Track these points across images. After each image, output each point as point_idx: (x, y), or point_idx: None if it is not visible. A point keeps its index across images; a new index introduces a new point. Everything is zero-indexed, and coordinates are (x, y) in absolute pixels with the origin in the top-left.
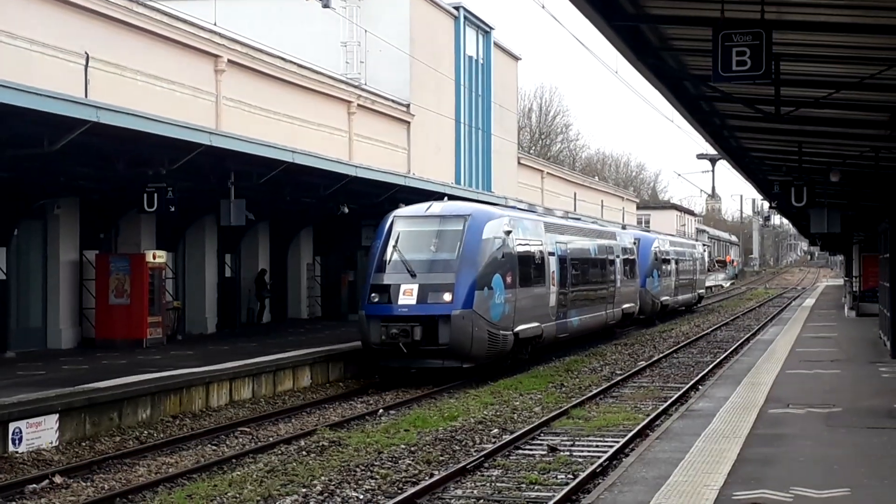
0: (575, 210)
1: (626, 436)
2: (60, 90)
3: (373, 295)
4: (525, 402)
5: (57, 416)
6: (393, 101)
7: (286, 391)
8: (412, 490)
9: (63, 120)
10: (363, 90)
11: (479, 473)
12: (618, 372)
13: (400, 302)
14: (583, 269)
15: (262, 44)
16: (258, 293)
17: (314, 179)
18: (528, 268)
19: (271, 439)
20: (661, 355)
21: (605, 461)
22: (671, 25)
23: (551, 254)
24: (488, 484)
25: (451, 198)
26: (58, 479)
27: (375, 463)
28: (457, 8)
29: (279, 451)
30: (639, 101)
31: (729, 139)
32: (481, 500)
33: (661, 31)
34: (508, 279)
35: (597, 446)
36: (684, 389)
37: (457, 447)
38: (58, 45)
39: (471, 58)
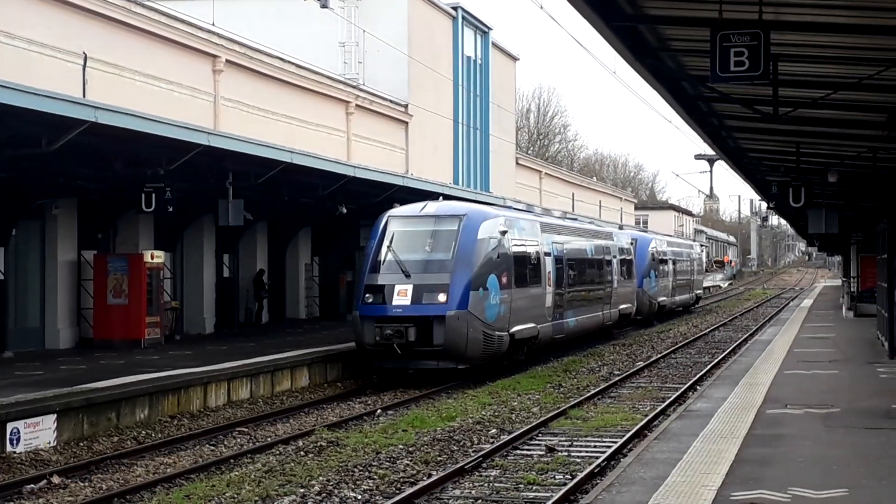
0: (573, 210)
1: (624, 436)
2: (59, 90)
3: (367, 295)
4: (523, 402)
5: (55, 416)
6: (391, 101)
7: (284, 391)
8: (410, 490)
9: (61, 120)
10: (361, 90)
11: (477, 474)
12: (616, 372)
13: (394, 302)
14: (579, 269)
15: (260, 44)
16: (256, 293)
17: (312, 180)
18: (523, 268)
19: (269, 439)
20: (659, 356)
21: (603, 461)
22: (669, 26)
23: (547, 254)
24: (486, 484)
25: (447, 197)
26: (56, 480)
27: (373, 463)
28: (455, 8)
29: (277, 452)
30: (637, 101)
31: (727, 139)
32: (479, 501)
33: (660, 32)
34: (504, 279)
35: (595, 447)
36: (682, 390)
37: (455, 447)
38: (56, 45)
39: (469, 58)
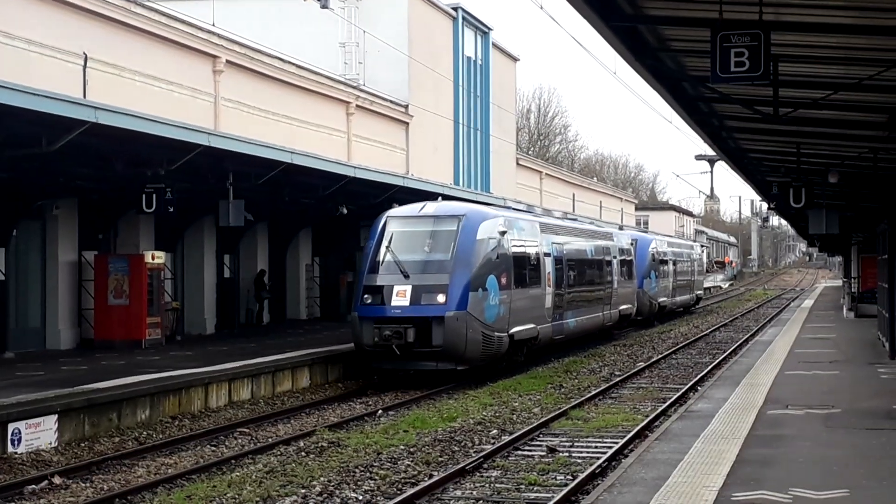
0: (574, 211)
1: (625, 437)
2: (59, 91)
3: (365, 296)
4: (524, 402)
5: (56, 416)
6: (391, 101)
7: (285, 392)
8: (411, 491)
9: (62, 120)
10: (362, 91)
11: (478, 474)
12: (617, 373)
13: (393, 303)
14: (579, 270)
15: (260, 44)
16: (257, 294)
17: (313, 180)
18: (523, 269)
19: (270, 440)
20: (659, 356)
21: (604, 462)
22: (669, 26)
23: (547, 254)
24: (487, 485)
25: (446, 198)
26: (57, 480)
27: (374, 464)
28: (455, 8)
29: (278, 452)
30: (637, 102)
31: (727, 140)
32: (480, 501)
33: (660, 32)
34: (503, 280)
35: (596, 447)
36: (683, 390)
37: (456, 448)
38: (56, 46)
39: (469, 58)
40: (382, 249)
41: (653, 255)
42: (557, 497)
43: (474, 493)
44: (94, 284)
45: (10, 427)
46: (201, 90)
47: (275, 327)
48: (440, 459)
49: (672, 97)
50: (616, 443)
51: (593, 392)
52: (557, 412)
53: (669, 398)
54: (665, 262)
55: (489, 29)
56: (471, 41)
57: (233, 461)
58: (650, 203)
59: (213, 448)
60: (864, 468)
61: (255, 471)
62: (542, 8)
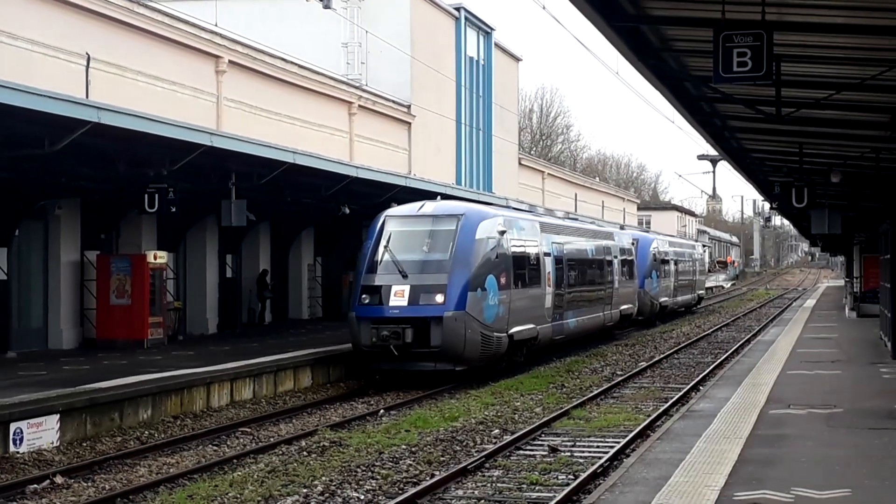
0: (576, 211)
1: (626, 436)
2: (61, 91)
3: (363, 296)
4: (526, 402)
5: (58, 416)
6: (394, 101)
7: (287, 391)
8: (413, 490)
9: (64, 120)
10: (364, 91)
11: (479, 474)
12: (618, 372)
13: (391, 303)
14: (580, 269)
15: (262, 44)
16: (259, 293)
17: (315, 180)
18: (523, 268)
19: (272, 440)
20: (661, 356)
21: (605, 462)
22: (672, 26)
23: (547, 254)
24: (489, 484)
25: (445, 197)
26: (59, 480)
27: (376, 463)
28: (457, 9)
29: (280, 452)
30: (640, 101)
31: (730, 140)
32: (482, 501)
33: (662, 32)
34: (503, 280)
35: (598, 447)
36: (685, 390)
37: (458, 447)
38: (59, 46)
39: (472, 58)
40: (381, 249)
41: (654, 254)
42: (559, 496)
43: (476, 492)
44: (97, 284)
45: (13, 427)
46: (204, 90)
47: (277, 327)
48: (442, 459)
49: (674, 97)
50: (618, 442)
51: (595, 392)
52: (559, 412)
53: (671, 398)
54: (666, 262)
55: (492, 29)
56: (473, 41)
57: (234, 461)
58: (652, 203)
59: (215, 448)
60: (866, 468)
61: (256, 470)
62: (544, 8)
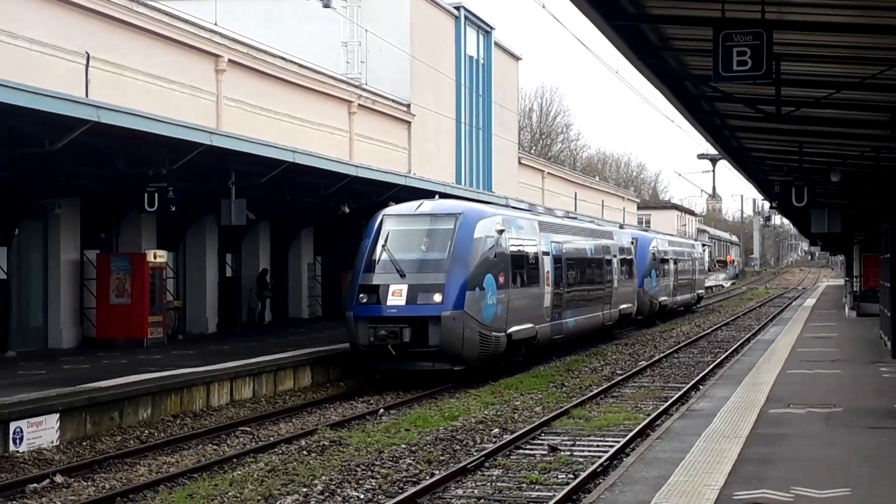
0: (576, 210)
1: (626, 435)
2: (61, 90)
3: (361, 295)
4: (526, 401)
5: (58, 415)
6: (393, 100)
7: (287, 391)
8: (413, 490)
9: (64, 119)
10: (364, 90)
11: (479, 473)
12: (618, 372)
13: (389, 303)
14: (579, 268)
15: (262, 43)
16: (259, 292)
17: (315, 179)
18: (521, 268)
19: (272, 439)
20: (661, 355)
21: (605, 461)
22: (672, 25)
23: (546, 253)
24: (489, 483)
25: (443, 196)
26: (59, 479)
27: (376, 462)
28: (457, 8)
29: (280, 451)
30: (639, 100)
31: (729, 139)
32: (482, 500)
33: (662, 31)
34: (501, 279)
35: (597, 446)
36: (685, 389)
37: (457, 447)
38: (58, 45)
39: (471, 57)
40: (378, 248)
41: (653, 253)
42: (559, 496)
43: (476, 491)
44: (96, 283)
45: (12, 426)
46: (203, 89)
47: (276, 326)
48: (442, 458)
49: (674, 96)
50: (618, 441)
51: (595, 391)
52: (559, 411)
53: (671, 397)
54: (666, 261)
55: (491, 28)
56: (473, 40)
57: (234, 460)
58: (652, 202)
59: (215, 447)
60: (865, 467)
61: (256, 469)
62: (544, 7)
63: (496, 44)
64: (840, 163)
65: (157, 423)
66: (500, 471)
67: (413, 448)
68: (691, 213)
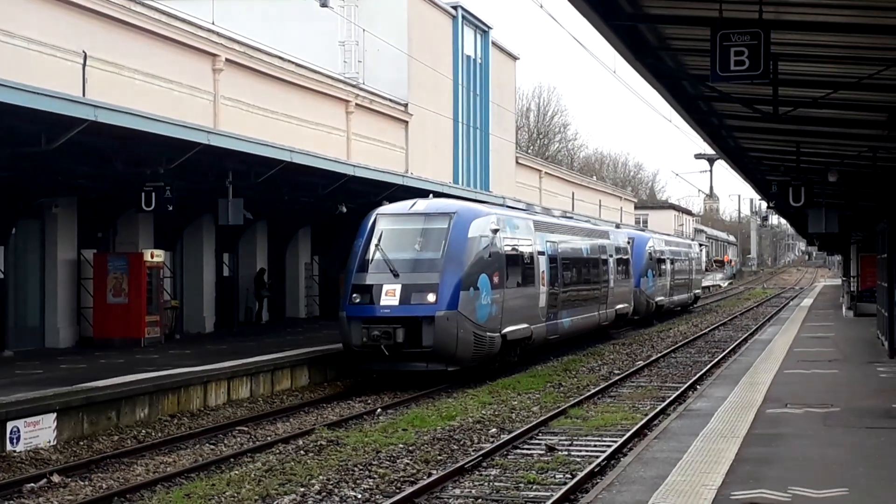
0: (573, 210)
1: (624, 435)
2: (58, 89)
3: (354, 295)
4: (523, 401)
5: (55, 415)
6: (391, 100)
7: (284, 390)
8: (410, 489)
9: (61, 119)
10: (361, 89)
11: (477, 473)
12: (616, 371)
13: (382, 303)
14: (575, 268)
15: (260, 43)
16: (257, 292)
17: (312, 179)
18: (516, 267)
19: (269, 438)
20: (659, 355)
21: (603, 461)
22: (669, 25)
23: (541, 253)
24: (486, 483)
25: (437, 195)
26: (56, 479)
27: (373, 462)
28: (455, 7)
29: (277, 451)
30: (637, 100)
31: (727, 139)
32: (479, 500)
33: (660, 31)
34: (496, 279)
35: (595, 446)
36: (682, 389)
37: (455, 447)
38: (56, 44)
39: (469, 57)
40: (371, 247)
41: (650, 253)
42: (556, 496)
43: (473, 491)
44: (94, 283)
45: (9, 425)
46: (201, 88)
47: (274, 326)
48: (439, 458)
49: (672, 96)
50: (615, 441)
51: (592, 391)
52: (556, 411)
53: (668, 397)
54: (662, 261)
55: (489, 28)
56: (470, 40)
57: (232, 460)
58: (649, 202)
59: (212, 446)
60: (863, 467)
61: (253, 469)
62: (541, 7)
63: (494, 43)
64: (837, 163)
65: (155, 422)
66: (498, 470)
67: (410, 448)
68: (689, 212)
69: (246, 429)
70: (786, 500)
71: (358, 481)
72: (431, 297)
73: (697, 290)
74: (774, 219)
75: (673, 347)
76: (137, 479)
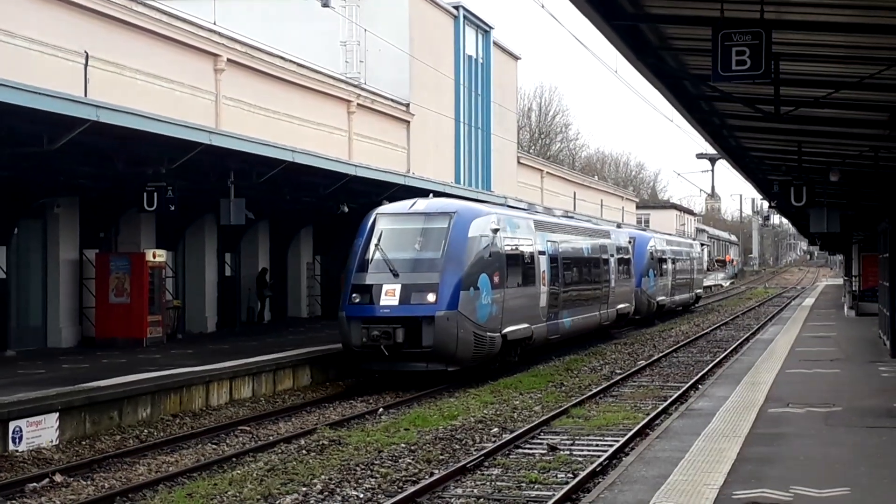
0: (575, 209)
1: (626, 435)
2: (60, 89)
3: (354, 295)
4: (525, 401)
5: (57, 414)
6: (392, 100)
7: (286, 390)
8: (412, 489)
9: (63, 119)
10: (363, 89)
11: (479, 472)
12: (617, 371)
13: (382, 303)
14: (575, 268)
15: (261, 43)
16: (259, 292)
17: (314, 178)
18: (517, 267)
19: (271, 438)
20: (660, 354)
21: (605, 460)
22: (671, 25)
23: (542, 252)
24: (488, 483)
25: (438, 194)
26: (58, 478)
27: (375, 462)
28: (456, 7)
29: (279, 450)
30: (638, 100)
31: (728, 139)
32: (481, 499)
33: (661, 31)
34: (496, 279)
35: (597, 445)
36: (684, 388)
37: (457, 446)
38: (57, 44)
39: (470, 57)
40: (371, 247)
41: (651, 253)
42: (558, 495)
43: (475, 490)
44: (96, 283)
45: (12, 425)
46: (202, 88)
47: (276, 325)
48: (441, 457)
49: (673, 96)
50: (617, 441)
51: (594, 390)
52: (558, 410)
53: (670, 396)
54: (664, 261)
55: (490, 27)
56: (472, 40)
57: (234, 459)
58: (651, 202)
59: (215, 446)
60: (864, 466)
61: (256, 469)
62: (543, 6)
63: (495, 43)
64: (839, 162)
65: (157, 422)
66: (500, 470)
67: (412, 447)
68: (690, 212)
69: (248, 428)
70: (788, 499)
71: (360, 481)
72: (431, 297)
73: (699, 290)
74: (776, 218)
75: (674, 347)
76: (139, 479)
